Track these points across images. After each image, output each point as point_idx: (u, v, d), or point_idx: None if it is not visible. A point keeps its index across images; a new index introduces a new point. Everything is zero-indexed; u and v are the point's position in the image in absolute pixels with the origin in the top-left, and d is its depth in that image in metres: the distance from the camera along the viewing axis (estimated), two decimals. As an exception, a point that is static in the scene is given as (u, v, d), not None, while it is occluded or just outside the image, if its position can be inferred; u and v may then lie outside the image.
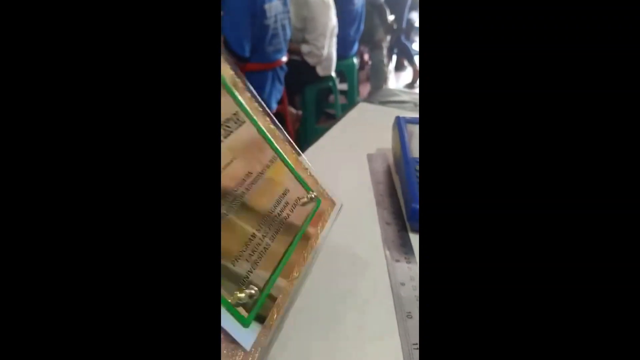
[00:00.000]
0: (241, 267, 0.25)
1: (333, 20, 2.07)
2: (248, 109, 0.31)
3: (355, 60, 2.53)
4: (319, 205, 0.34)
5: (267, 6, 1.57)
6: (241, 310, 0.24)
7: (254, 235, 0.27)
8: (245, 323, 0.24)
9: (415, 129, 0.52)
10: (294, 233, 0.30)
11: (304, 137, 2.02)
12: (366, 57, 3.35)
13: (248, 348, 0.24)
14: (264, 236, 0.28)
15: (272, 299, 0.27)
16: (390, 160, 0.58)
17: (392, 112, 0.81)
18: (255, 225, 0.28)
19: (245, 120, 0.31)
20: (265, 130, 0.33)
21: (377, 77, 2.74)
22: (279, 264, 0.28)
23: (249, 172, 0.29)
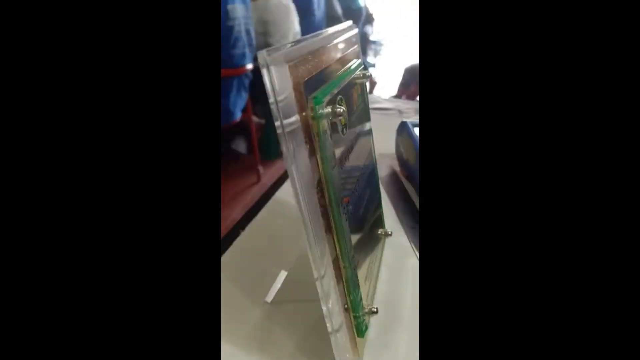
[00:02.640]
0: (367, 286, 0.28)
1: (296, 26, 2.08)
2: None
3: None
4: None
5: (230, 7, 1.55)
6: (365, 322, 0.27)
7: (373, 261, 0.31)
8: (361, 334, 0.26)
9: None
10: (379, 263, 0.35)
11: (266, 146, 1.98)
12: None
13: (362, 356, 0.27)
14: (373, 262, 0.32)
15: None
16: (396, 164, 0.58)
17: (378, 120, 0.82)
18: (371, 252, 0.31)
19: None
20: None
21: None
22: (375, 288, 0.32)
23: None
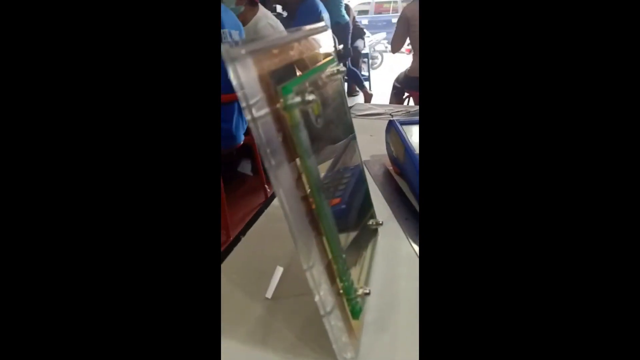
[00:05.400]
0: (359, 271, 0.29)
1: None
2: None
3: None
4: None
5: (224, 31, 1.59)
6: (359, 305, 0.27)
7: (363, 247, 0.33)
8: (356, 316, 0.26)
9: (410, 129, 0.54)
10: (372, 250, 0.36)
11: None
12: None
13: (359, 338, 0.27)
14: (364, 248, 0.33)
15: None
16: (388, 163, 0.59)
17: (371, 124, 0.84)
18: (362, 240, 0.32)
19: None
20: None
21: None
22: (368, 273, 0.32)
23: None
